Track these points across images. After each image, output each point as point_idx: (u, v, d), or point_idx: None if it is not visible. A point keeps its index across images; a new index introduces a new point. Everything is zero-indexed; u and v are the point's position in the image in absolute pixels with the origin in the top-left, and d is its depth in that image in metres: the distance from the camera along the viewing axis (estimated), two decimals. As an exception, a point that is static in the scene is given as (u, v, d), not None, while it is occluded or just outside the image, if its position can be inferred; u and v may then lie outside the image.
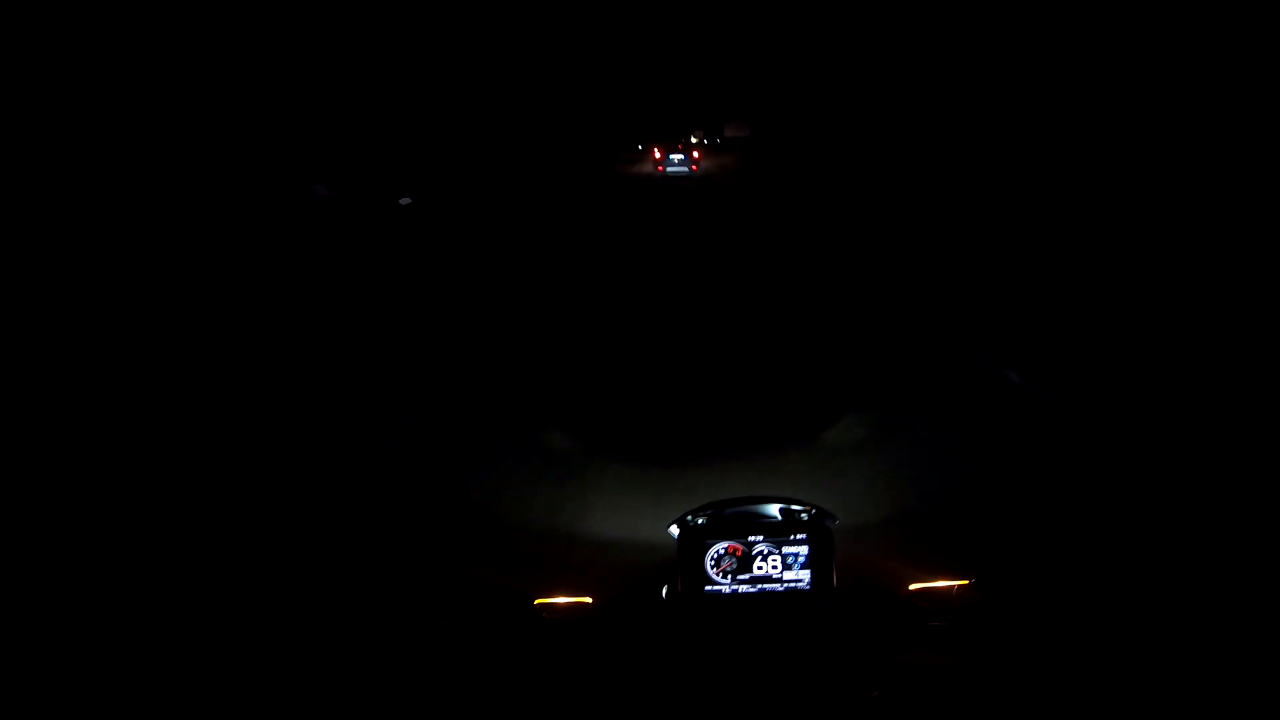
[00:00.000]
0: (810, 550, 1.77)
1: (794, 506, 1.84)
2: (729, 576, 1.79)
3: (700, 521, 1.84)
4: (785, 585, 1.78)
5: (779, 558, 1.78)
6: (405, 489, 3.49)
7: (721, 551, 1.79)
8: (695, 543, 1.80)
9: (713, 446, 3.70)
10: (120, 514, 3.07)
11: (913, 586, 1.92)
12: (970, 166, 16.43)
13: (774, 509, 1.85)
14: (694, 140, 44.90)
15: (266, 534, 2.96)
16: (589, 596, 1.98)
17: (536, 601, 1.95)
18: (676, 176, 26.25)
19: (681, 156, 28.00)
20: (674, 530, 1.87)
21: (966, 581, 1.91)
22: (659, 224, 13.51)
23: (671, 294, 7.58)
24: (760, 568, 1.78)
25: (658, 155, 28.71)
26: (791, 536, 1.77)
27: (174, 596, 2.48)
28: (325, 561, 2.76)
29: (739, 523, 1.82)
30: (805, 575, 1.77)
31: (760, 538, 1.78)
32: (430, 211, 13.44)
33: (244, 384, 4.76)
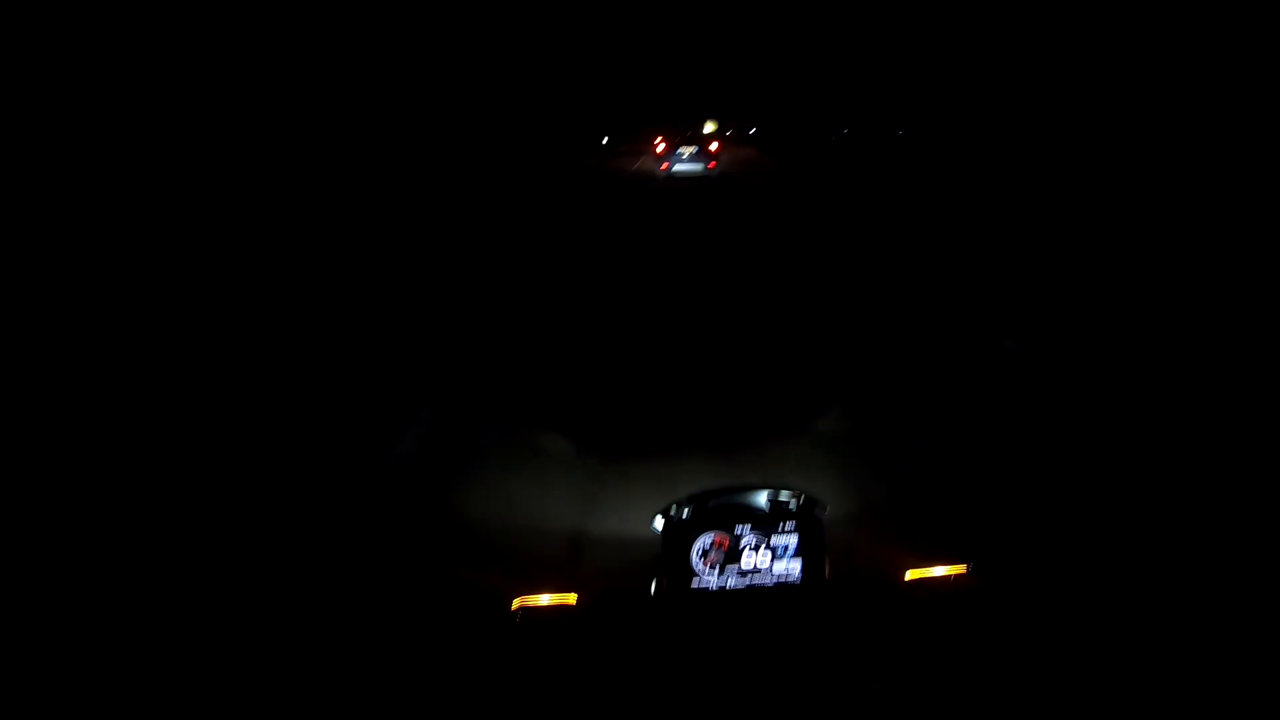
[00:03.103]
0: (800, 540, 1.69)
1: (781, 495, 1.77)
2: (716, 569, 1.71)
3: (685, 513, 1.76)
4: (775, 578, 1.70)
5: (768, 549, 1.70)
6: (378, 485, 3.40)
7: (708, 544, 1.71)
8: (680, 536, 1.73)
9: (700, 437, 3.62)
10: (114, 516, 3.01)
11: (909, 575, 1.85)
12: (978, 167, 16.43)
13: (761, 498, 1.77)
14: (710, 129, 31.90)
15: (253, 535, 2.90)
16: (573, 595, 1.90)
17: (515, 603, 1.87)
18: (685, 177, 19.93)
19: (694, 150, 20.98)
20: (658, 523, 1.80)
21: (964, 568, 1.84)
22: (646, 222, 13.12)
23: (654, 277, 7.49)
24: (749, 560, 1.70)
25: (660, 148, 21.74)
26: (780, 526, 1.69)
27: (163, 599, 2.44)
28: (304, 562, 2.69)
29: (725, 513, 1.74)
30: (795, 566, 1.70)
31: (747, 528, 1.70)
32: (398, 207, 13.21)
33: (239, 385, 4.66)
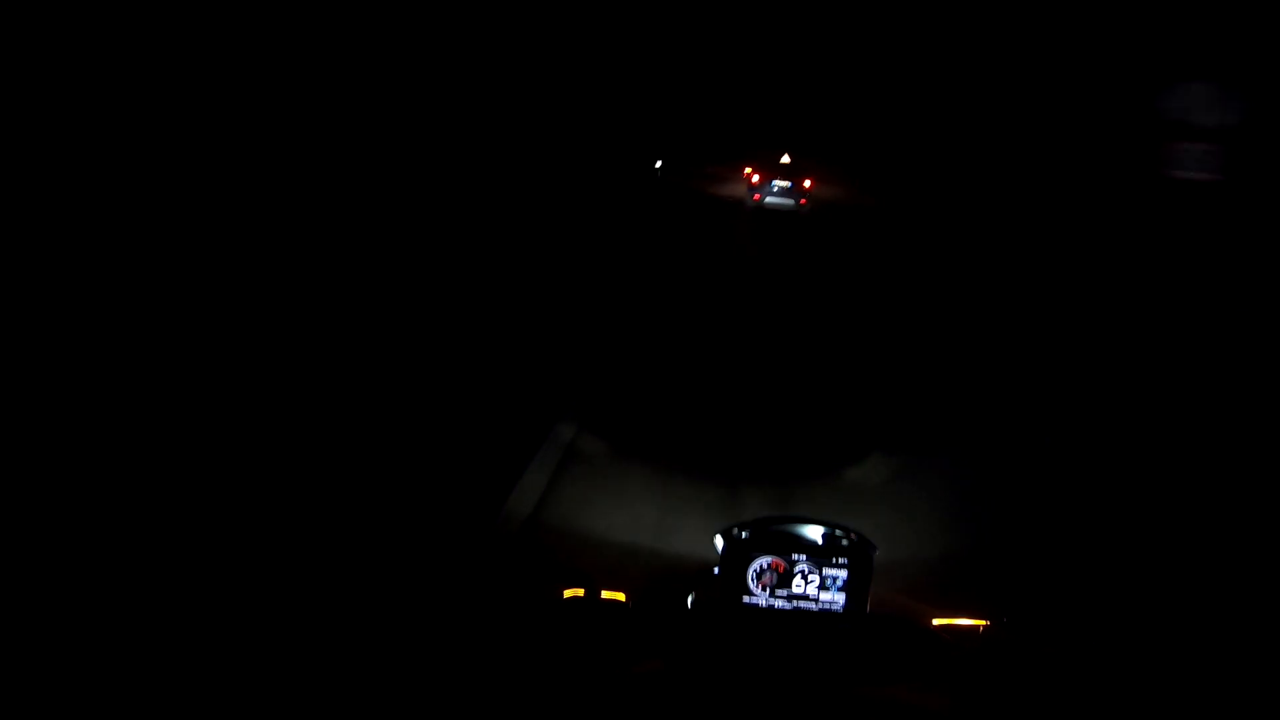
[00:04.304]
0: (849, 575, 1.87)
1: (837, 531, 1.94)
2: (768, 590, 1.89)
3: (745, 535, 1.94)
4: (820, 605, 1.88)
5: (818, 578, 1.88)
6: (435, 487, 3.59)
7: (764, 566, 1.89)
8: (739, 555, 1.91)
9: (740, 472, 3.81)
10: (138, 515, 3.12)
11: (936, 621, 2.02)
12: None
13: (817, 531, 1.95)
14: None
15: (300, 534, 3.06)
16: (622, 594, 2.08)
17: (567, 593, 2.04)
18: (776, 210, 20.91)
19: (788, 184, 21.50)
20: (718, 541, 1.97)
21: (989, 623, 2.01)
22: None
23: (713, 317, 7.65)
24: (799, 586, 1.88)
25: (755, 178, 21.99)
26: (833, 560, 1.87)
27: (197, 595, 2.58)
28: (356, 558, 2.86)
29: (783, 540, 1.92)
30: (841, 598, 1.87)
31: (803, 557, 1.88)
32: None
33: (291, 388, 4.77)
